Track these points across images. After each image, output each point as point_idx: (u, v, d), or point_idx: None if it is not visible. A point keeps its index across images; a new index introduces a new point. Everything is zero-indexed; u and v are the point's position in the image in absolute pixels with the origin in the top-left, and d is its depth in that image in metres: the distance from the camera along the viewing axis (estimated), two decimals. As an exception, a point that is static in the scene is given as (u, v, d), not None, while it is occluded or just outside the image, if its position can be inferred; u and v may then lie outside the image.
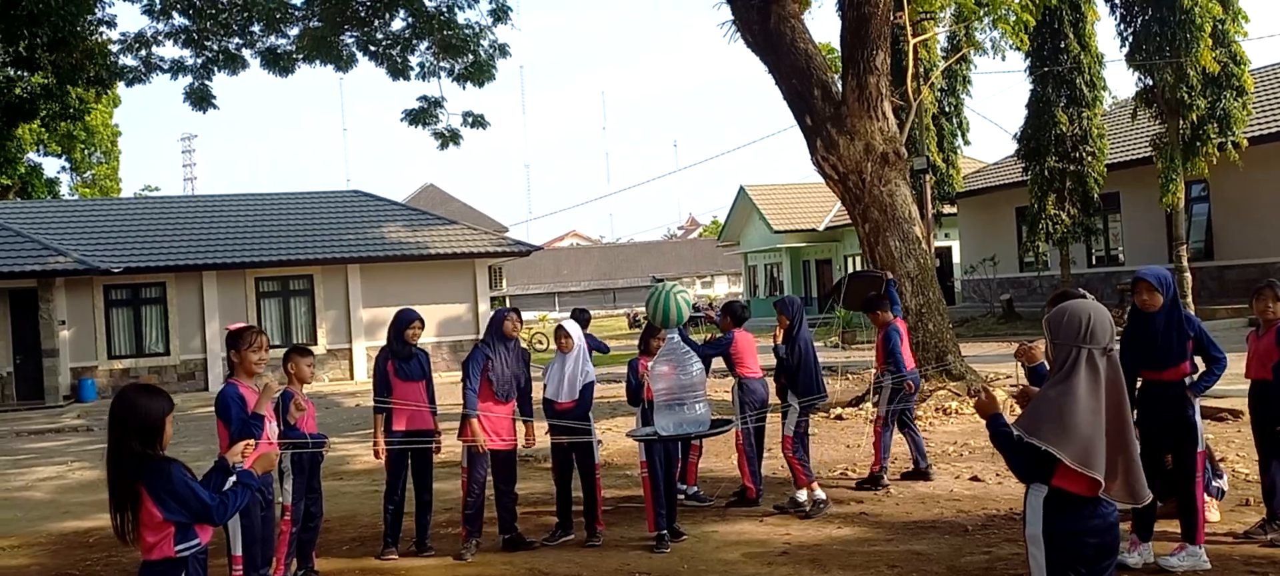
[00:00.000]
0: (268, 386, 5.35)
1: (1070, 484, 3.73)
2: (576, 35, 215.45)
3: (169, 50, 26.14)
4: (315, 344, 26.59)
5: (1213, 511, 7.21)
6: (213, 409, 5.97)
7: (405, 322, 7.63)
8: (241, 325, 5.94)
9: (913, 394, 9.71)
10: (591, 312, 14.24)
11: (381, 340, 26.09)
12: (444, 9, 19.71)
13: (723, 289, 75.13)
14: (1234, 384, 7.93)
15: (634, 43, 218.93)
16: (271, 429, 5.82)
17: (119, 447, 3.87)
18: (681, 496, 8.55)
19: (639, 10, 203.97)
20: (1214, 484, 7.21)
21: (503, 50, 20.39)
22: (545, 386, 7.73)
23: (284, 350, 6.82)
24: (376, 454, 7.63)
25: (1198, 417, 6.43)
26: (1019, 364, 5.53)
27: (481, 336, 8.00)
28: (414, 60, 20.50)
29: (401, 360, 7.56)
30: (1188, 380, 6.40)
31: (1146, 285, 6.39)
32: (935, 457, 9.97)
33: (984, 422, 4.05)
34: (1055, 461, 3.72)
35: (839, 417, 13.29)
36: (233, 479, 4.12)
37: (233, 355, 5.88)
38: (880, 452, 9.23)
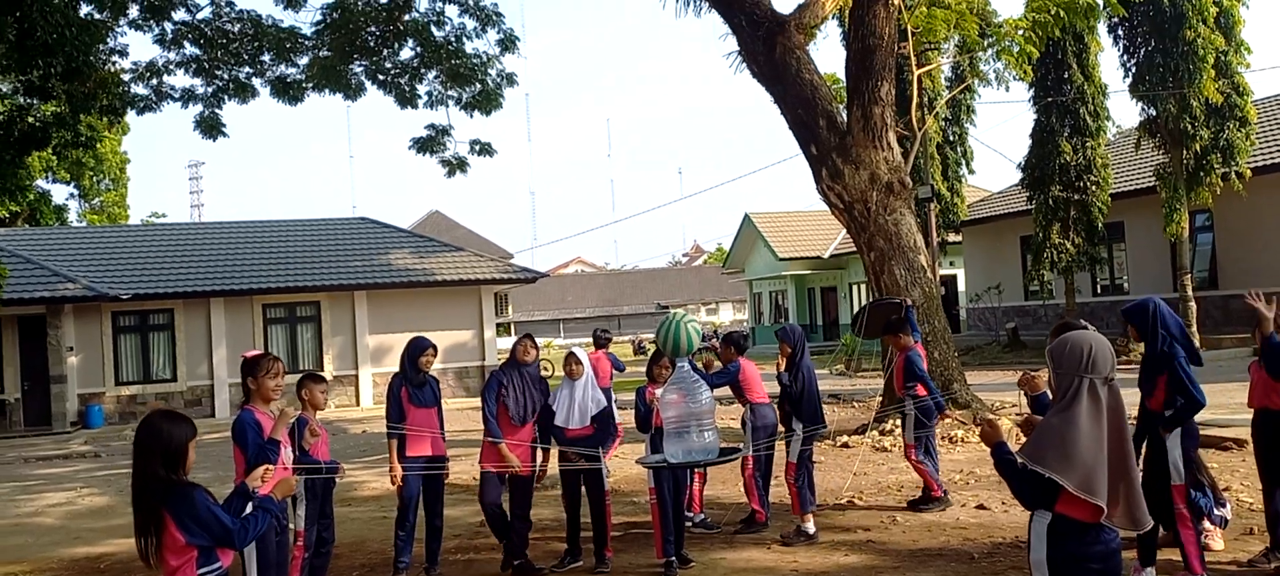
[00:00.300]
0: (283, 413, 5.44)
1: (1073, 510, 3.81)
2: (580, 54, 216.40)
3: (180, 79, 26.45)
4: (321, 370, 26.69)
5: (1217, 540, 7.26)
6: (224, 435, 6.06)
7: (419, 350, 7.73)
8: (257, 352, 6.03)
9: (934, 419, 9.78)
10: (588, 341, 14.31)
11: (388, 366, 26.32)
12: (452, 39, 19.91)
13: (728, 316, 75.19)
14: (1238, 413, 7.99)
15: (638, 62, 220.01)
16: (287, 454, 5.90)
17: (143, 473, 3.97)
18: (688, 524, 8.61)
19: (642, 29, 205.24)
20: (1217, 513, 7.26)
21: (510, 79, 20.56)
22: (554, 413, 7.81)
23: (298, 377, 6.90)
24: (393, 480, 7.70)
25: (1176, 453, 6.41)
26: (1022, 393, 5.63)
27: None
28: (422, 89, 20.66)
29: (415, 387, 7.67)
30: (1166, 414, 6.47)
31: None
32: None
33: (989, 451, 4.15)
34: (1058, 488, 3.79)
35: (845, 445, 13.34)
36: (252, 504, 4.21)
37: (250, 382, 5.94)
38: (928, 475, 9.30)
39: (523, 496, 7.76)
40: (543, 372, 8.15)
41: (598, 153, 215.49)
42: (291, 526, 6.57)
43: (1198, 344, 8.49)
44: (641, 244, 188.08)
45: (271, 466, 4.51)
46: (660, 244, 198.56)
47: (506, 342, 56.92)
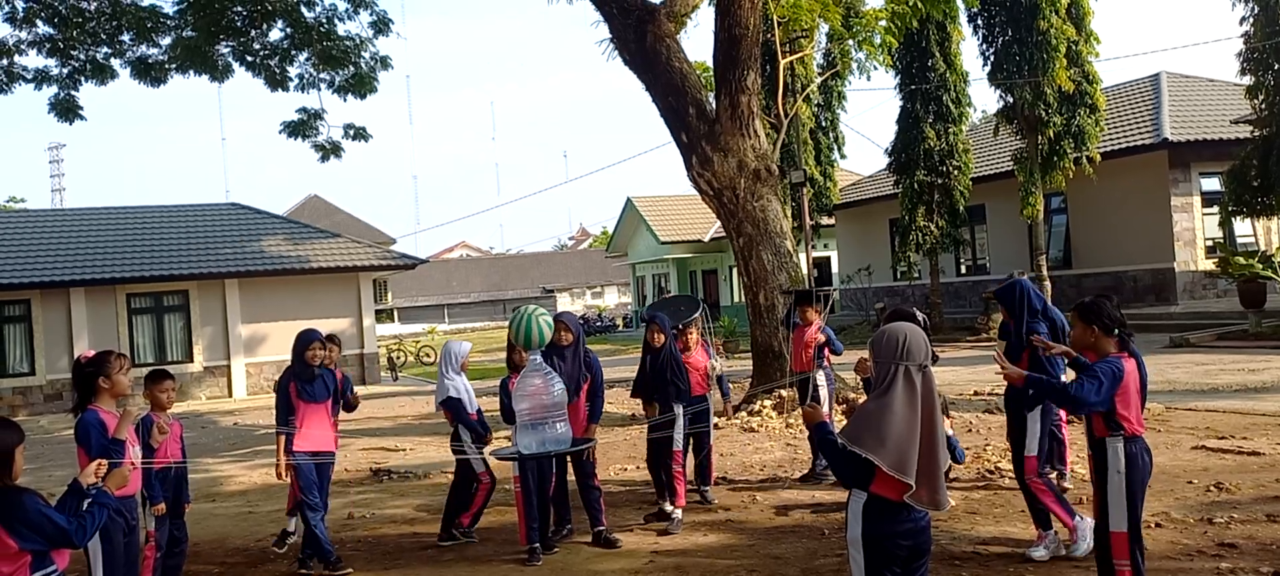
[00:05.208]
0: (126, 410, 5.35)
1: (886, 490, 4.06)
2: (463, 37, 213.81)
3: (33, 60, 25.26)
4: (192, 361, 25.95)
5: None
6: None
7: (305, 344, 7.67)
8: (94, 352, 5.87)
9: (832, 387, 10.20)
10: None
11: (262, 356, 25.77)
12: (323, 20, 19.51)
13: (614, 299, 75.55)
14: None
15: (523, 53, 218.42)
16: (134, 453, 5.81)
17: (-32, 480, 3.90)
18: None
19: (526, 13, 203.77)
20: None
21: (384, 62, 20.26)
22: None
23: (144, 374, 6.76)
24: (279, 475, 7.65)
25: (1035, 426, 6.81)
26: (859, 377, 5.95)
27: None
28: (293, 71, 20.20)
29: (304, 381, 7.61)
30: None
31: None
32: (803, 464, 10.38)
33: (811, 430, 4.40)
34: (874, 469, 4.03)
35: (714, 426, 13.60)
36: (89, 500, 4.17)
37: (102, 381, 5.73)
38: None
39: (583, 466, 7.97)
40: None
41: (482, 136, 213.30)
42: (142, 526, 6.47)
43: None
44: (527, 228, 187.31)
45: (105, 463, 4.44)
46: (546, 227, 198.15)
47: (387, 329, 55.43)
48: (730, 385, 10.63)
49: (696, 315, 9.48)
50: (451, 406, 8.16)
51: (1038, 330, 6.97)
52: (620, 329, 50.65)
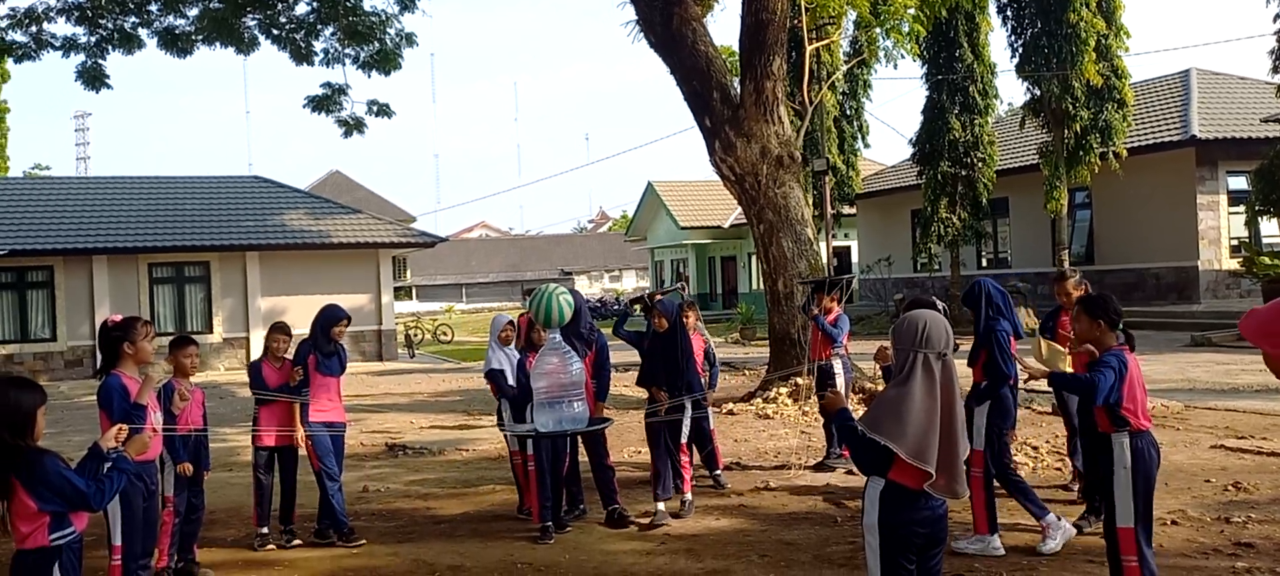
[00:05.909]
0: (147, 376, 5.39)
1: (904, 478, 4.05)
2: (490, 26, 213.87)
3: (61, 27, 25.42)
4: (211, 332, 26.12)
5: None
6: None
7: (333, 320, 7.81)
8: (120, 317, 5.91)
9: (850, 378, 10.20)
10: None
11: (280, 329, 25.82)
12: (350, -6, 19.54)
13: (631, 283, 75.57)
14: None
15: (549, 35, 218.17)
16: (156, 419, 5.85)
17: (-9, 441, 3.93)
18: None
19: (542, 11, 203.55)
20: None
21: (409, 39, 20.27)
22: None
23: (169, 341, 6.83)
24: (297, 443, 7.73)
25: (980, 420, 6.83)
26: (878, 366, 5.91)
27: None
28: (318, 46, 20.23)
29: (324, 355, 7.75)
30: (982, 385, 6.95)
31: None
32: (817, 451, 10.37)
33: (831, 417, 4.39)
34: (893, 456, 4.02)
35: (730, 413, 13.64)
36: (109, 464, 4.21)
37: (127, 347, 5.76)
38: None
39: (596, 445, 8.05)
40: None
41: (504, 120, 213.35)
42: (161, 492, 6.53)
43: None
44: (547, 210, 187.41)
45: (126, 427, 4.48)
46: (566, 209, 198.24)
47: (405, 307, 55.58)
48: (718, 372, 10.61)
49: (681, 284, 9.52)
50: (493, 378, 8.20)
51: (999, 328, 6.97)
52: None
